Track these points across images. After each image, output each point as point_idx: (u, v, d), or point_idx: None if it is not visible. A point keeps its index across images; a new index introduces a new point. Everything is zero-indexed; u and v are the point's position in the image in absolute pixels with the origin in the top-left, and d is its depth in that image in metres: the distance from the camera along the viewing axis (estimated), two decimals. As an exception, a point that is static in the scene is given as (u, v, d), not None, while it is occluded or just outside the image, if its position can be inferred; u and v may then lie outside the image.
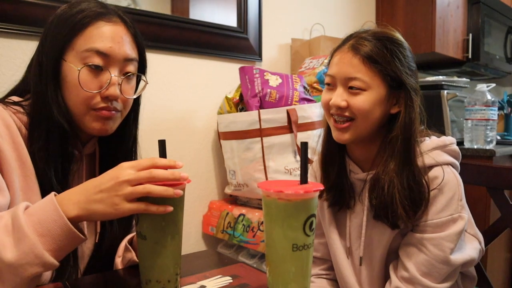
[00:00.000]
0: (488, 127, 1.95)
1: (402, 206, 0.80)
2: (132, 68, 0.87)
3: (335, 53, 0.89)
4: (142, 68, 0.92)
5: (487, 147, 1.93)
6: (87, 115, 0.83)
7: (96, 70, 0.81)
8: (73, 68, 0.80)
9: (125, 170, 0.65)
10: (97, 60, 0.81)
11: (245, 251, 1.64)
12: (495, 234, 1.10)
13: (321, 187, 0.62)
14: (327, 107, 0.88)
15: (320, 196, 0.94)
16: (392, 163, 0.82)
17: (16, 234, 0.64)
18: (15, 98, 0.85)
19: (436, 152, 0.85)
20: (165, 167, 0.66)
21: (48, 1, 1.29)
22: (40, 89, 0.81)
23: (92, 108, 0.82)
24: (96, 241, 0.91)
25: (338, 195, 0.93)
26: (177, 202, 0.67)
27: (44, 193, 0.79)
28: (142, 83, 0.93)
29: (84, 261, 0.90)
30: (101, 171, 0.91)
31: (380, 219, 0.85)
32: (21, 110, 0.82)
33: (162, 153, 0.68)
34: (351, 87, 0.84)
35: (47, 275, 0.79)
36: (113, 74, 0.82)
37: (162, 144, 0.68)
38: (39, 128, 0.81)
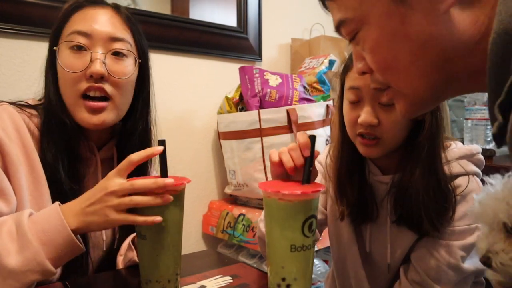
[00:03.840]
0: (488, 127, 1.95)
1: (428, 217, 0.78)
2: (120, 46, 0.83)
3: (349, 73, 0.81)
4: (142, 55, 0.89)
5: (487, 147, 1.93)
6: (76, 105, 0.81)
7: (79, 50, 0.80)
8: (60, 51, 0.81)
9: (111, 180, 0.66)
10: (79, 40, 0.80)
11: (245, 251, 1.64)
12: (495, 234, 1.10)
13: (321, 188, 0.62)
14: (354, 126, 0.81)
15: (341, 219, 0.91)
16: (418, 171, 0.79)
17: (20, 241, 0.65)
18: (30, 101, 0.86)
19: (464, 161, 0.83)
20: (141, 160, 0.67)
21: (48, 1, 1.28)
22: (45, 85, 0.84)
23: (79, 93, 0.80)
24: (115, 247, 0.91)
25: (362, 208, 0.88)
26: (177, 202, 0.67)
27: (54, 195, 0.79)
28: (132, 64, 0.87)
29: (94, 264, 0.90)
30: None
31: (405, 225, 0.83)
32: (36, 113, 0.83)
33: (162, 153, 0.68)
34: (384, 104, 0.76)
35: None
36: (98, 51, 0.80)
37: (162, 144, 0.68)
38: (48, 125, 0.81)
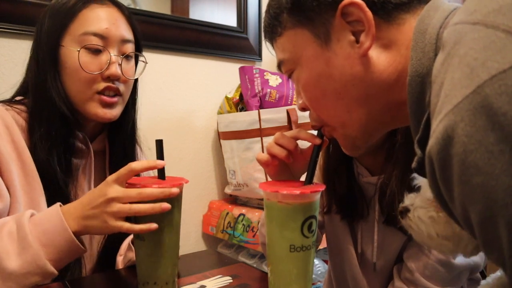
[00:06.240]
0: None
1: None
2: (129, 49, 0.87)
3: None
4: (138, 50, 0.93)
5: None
6: (89, 101, 0.84)
7: (95, 51, 0.82)
8: (73, 51, 0.81)
9: (111, 186, 0.66)
10: (95, 42, 0.82)
11: (245, 251, 1.64)
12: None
13: (321, 188, 0.62)
14: None
15: (327, 212, 0.92)
16: (396, 170, 0.80)
17: (20, 243, 0.65)
18: (17, 98, 0.86)
19: None
20: (142, 170, 0.66)
21: (48, 1, 1.28)
22: (39, 79, 0.82)
23: (95, 91, 0.83)
24: (104, 242, 0.91)
25: (351, 205, 0.89)
26: (175, 203, 0.67)
27: (47, 189, 0.79)
28: (140, 65, 0.94)
29: (92, 259, 0.90)
30: (111, 169, 0.92)
31: (393, 225, 0.84)
32: (24, 109, 0.83)
33: (160, 153, 0.68)
34: None
35: None
36: (113, 54, 0.83)
37: (159, 143, 0.68)
38: (40, 118, 0.81)
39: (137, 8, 1.55)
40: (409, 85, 0.46)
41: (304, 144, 0.70)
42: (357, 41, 0.51)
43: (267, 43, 0.63)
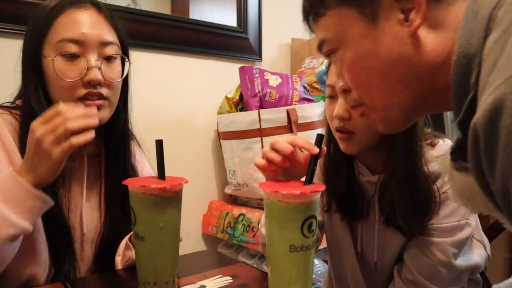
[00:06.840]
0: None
1: (403, 216, 0.79)
2: (111, 51, 0.84)
3: (329, 70, 0.85)
4: (124, 51, 0.90)
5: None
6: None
7: (72, 58, 0.80)
8: (49, 60, 0.80)
9: (36, 128, 0.70)
10: (72, 48, 0.80)
11: (245, 251, 1.64)
12: (495, 234, 1.10)
13: (321, 188, 0.61)
14: (331, 120, 0.83)
15: (328, 210, 0.92)
16: (397, 170, 0.79)
17: None
18: (17, 102, 0.87)
19: None
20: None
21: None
22: (24, 89, 0.83)
23: (77, 98, 0.81)
24: (100, 237, 0.91)
25: (351, 205, 0.89)
26: (174, 203, 0.66)
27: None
28: (126, 66, 0.90)
29: (87, 261, 0.90)
30: (107, 172, 0.91)
31: (392, 225, 0.84)
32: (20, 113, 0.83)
33: (160, 153, 0.68)
34: None
35: (43, 275, 0.78)
36: (92, 59, 0.81)
37: (159, 144, 0.68)
38: (27, 124, 0.80)
39: (137, 8, 1.55)
40: (455, 66, 0.44)
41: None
42: (406, 20, 0.50)
43: (305, 23, 0.60)
